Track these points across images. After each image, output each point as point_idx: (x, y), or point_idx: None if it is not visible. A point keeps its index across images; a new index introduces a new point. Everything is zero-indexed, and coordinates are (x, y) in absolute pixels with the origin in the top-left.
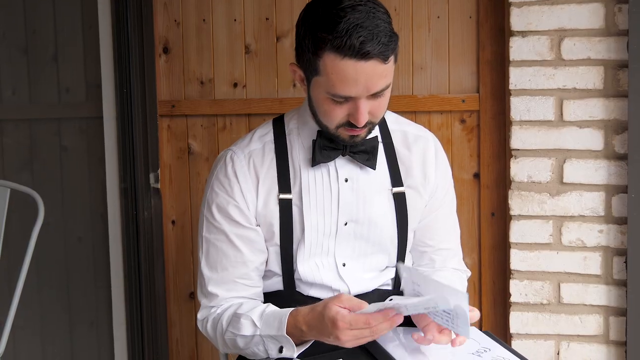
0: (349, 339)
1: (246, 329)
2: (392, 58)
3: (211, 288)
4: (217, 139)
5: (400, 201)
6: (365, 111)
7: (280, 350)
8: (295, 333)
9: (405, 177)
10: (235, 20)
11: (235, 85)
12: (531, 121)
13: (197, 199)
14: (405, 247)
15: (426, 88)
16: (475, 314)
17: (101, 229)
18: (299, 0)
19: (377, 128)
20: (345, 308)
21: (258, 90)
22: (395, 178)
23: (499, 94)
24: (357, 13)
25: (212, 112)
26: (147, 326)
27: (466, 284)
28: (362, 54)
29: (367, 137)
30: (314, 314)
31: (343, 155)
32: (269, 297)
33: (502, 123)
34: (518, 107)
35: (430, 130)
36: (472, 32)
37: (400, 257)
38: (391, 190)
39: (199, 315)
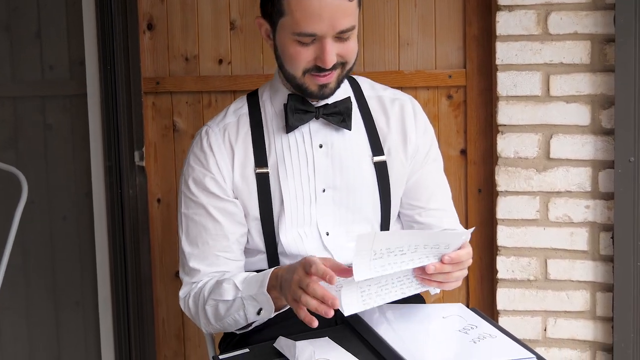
0: (299, 290)
1: (228, 293)
2: None
3: (192, 264)
4: (202, 116)
5: (381, 170)
6: (332, 51)
7: (259, 312)
8: (274, 294)
9: (385, 142)
10: None
11: (220, 61)
12: (518, 96)
13: None
14: (389, 216)
15: (413, 64)
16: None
17: (86, 208)
18: None
19: (350, 91)
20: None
21: (243, 67)
22: (375, 145)
23: (485, 70)
24: None
25: (197, 89)
26: (133, 306)
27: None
28: None
29: (340, 99)
30: (289, 267)
31: (317, 118)
32: None
33: (489, 99)
34: (505, 83)
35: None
36: (459, 7)
37: (384, 226)
38: (372, 158)
39: (181, 293)
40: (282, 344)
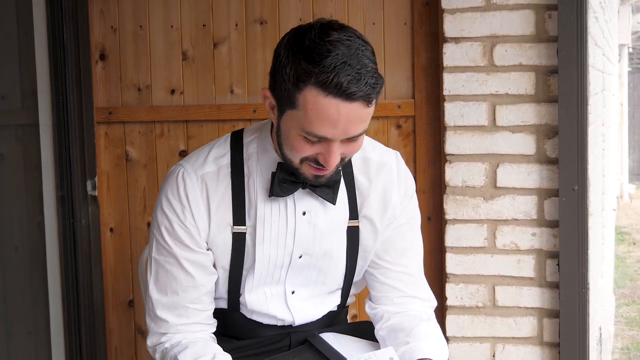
0: None
1: None
2: (374, 101)
3: (160, 312)
4: (154, 145)
5: (352, 234)
6: (338, 154)
7: None
8: None
9: (362, 207)
10: (172, 26)
11: (172, 91)
12: (465, 126)
13: (135, 206)
14: (352, 278)
15: None
16: None
17: (38, 238)
18: (236, 6)
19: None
20: None
21: (196, 97)
22: (352, 210)
23: (434, 100)
24: (346, 49)
25: (150, 119)
26: (86, 335)
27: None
28: (348, 95)
29: None
30: None
31: (303, 189)
32: (213, 313)
33: (437, 128)
34: (452, 113)
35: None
36: (407, 38)
37: (345, 287)
38: (347, 222)
39: (149, 342)
40: None
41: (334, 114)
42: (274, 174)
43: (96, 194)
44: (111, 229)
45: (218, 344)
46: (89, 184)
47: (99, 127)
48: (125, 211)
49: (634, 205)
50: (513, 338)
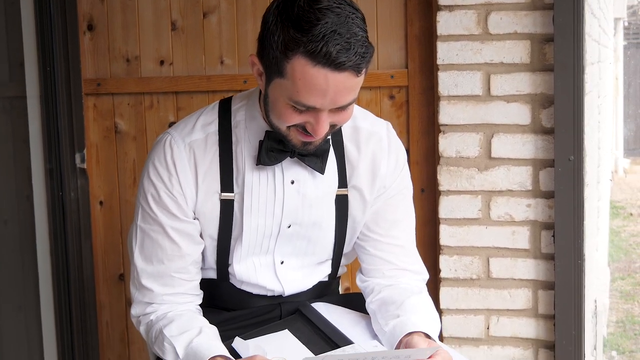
0: None
1: (169, 355)
2: (364, 70)
3: (145, 281)
4: (144, 117)
5: (341, 203)
6: (326, 124)
7: None
8: None
9: (351, 177)
10: None
11: (162, 62)
12: (459, 96)
13: (125, 179)
14: (342, 248)
15: None
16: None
17: (27, 211)
18: None
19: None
20: None
21: (185, 68)
22: (341, 179)
23: (427, 69)
24: (335, 16)
25: (139, 90)
26: (76, 310)
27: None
28: (337, 64)
29: None
30: None
31: (291, 157)
32: (202, 284)
33: (431, 99)
34: (446, 82)
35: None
36: (400, 6)
37: (335, 258)
38: (336, 191)
39: (133, 311)
40: (237, 344)
41: (322, 84)
42: (261, 143)
43: (85, 167)
44: (101, 202)
45: (208, 315)
46: (77, 156)
47: (87, 99)
48: (114, 184)
49: (628, 180)
50: (507, 310)
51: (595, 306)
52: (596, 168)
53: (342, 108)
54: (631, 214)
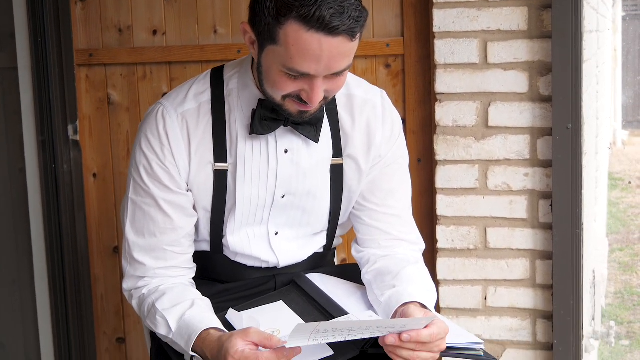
0: None
1: (161, 328)
2: (359, 35)
3: (137, 255)
4: (137, 88)
5: (337, 172)
6: (321, 90)
7: (192, 359)
8: (201, 354)
9: (346, 146)
10: None
11: (154, 32)
12: (455, 64)
13: (118, 151)
14: (337, 219)
15: None
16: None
17: (20, 184)
18: None
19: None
20: (252, 343)
21: (178, 38)
22: (336, 148)
23: (423, 37)
24: None
25: (132, 61)
26: (70, 283)
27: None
28: (331, 29)
29: None
30: (218, 344)
31: (285, 126)
32: (196, 256)
33: (427, 67)
34: (442, 50)
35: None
36: None
37: (330, 229)
38: (330, 160)
39: (125, 285)
40: (231, 316)
41: (316, 50)
42: (254, 111)
43: (78, 139)
44: (94, 175)
45: (201, 287)
46: (70, 128)
47: (79, 70)
48: (108, 156)
49: (627, 152)
50: (505, 280)
51: (594, 277)
52: (594, 138)
53: (336, 74)
54: (630, 182)
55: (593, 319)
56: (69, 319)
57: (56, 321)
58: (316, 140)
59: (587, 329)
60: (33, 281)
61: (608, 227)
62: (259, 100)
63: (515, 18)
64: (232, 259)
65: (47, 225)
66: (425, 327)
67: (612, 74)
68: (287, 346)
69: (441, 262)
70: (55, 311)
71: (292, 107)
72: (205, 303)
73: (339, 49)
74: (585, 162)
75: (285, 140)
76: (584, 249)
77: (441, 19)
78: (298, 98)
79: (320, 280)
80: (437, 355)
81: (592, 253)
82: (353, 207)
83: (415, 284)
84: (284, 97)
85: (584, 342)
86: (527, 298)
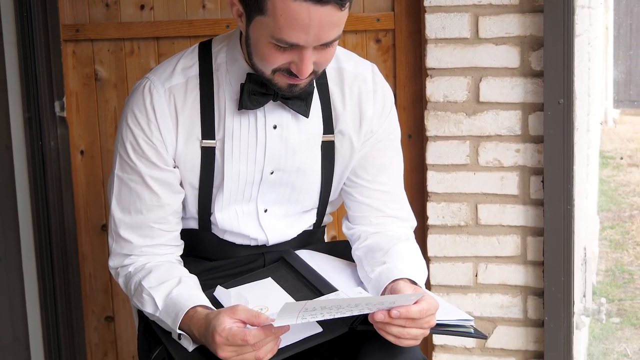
0: (229, 355)
1: (148, 307)
2: (348, 4)
3: (123, 232)
4: (125, 64)
5: (328, 149)
6: (311, 62)
7: (179, 337)
8: (188, 332)
9: (337, 122)
10: None
11: (142, 7)
12: (446, 39)
13: (106, 128)
14: (328, 196)
15: None
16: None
17: (6, 162)
18: None
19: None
20: (239, 321)
21: (166, 12)
22: (327, 124)
23: (414, 12)
24: None
25: (119, 36)
26: (58, 261)
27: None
28: None
29: None
30: (205, 321)
31: (274, 101)
32: (184, 234)
33: (418, 42)
34: (433, 25)
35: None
36: None
37: (321, 207)
38: (321, 137)
39: (111, 263)
40: (219, 293)
41: (305, 19)
42: (242, 86)
43: (65, 115)
44: (82, 152)
45: (189, 265)
46: (57, 104)
47: (66, 45)
48: (95, 133)
49: (618, 130)
50: (496, 257)
51: (585, 253)
52: (586, 115)
53: (326, 45)
54: (621, 158)
55: (584, 296)
56: (57, 297)
57: (44, 300)
58: (306, 115)
59: (578, 305)
60: (20, 260)
61: (599, 205)
62: (248, 74)
63: None
64: (221, 236)
65: (34, 203)
66: (415, 303)
67: (604, 51)
68: (275, 325)
69: (432, 239)
70: (43, 290)
71: (282, 80)
72: (193, 280)
73: (328, 18)
74: (576, 139)
75: (274, 115)
76: (575, 225)
77: None
78: (287, 71)
79: (310, 257)
80: (427, 332)
81: (583, 230)
82: (344, 184)
83: (406, 260)
84: (274, 70)
85: (575, 319)
86: (518, 275)
